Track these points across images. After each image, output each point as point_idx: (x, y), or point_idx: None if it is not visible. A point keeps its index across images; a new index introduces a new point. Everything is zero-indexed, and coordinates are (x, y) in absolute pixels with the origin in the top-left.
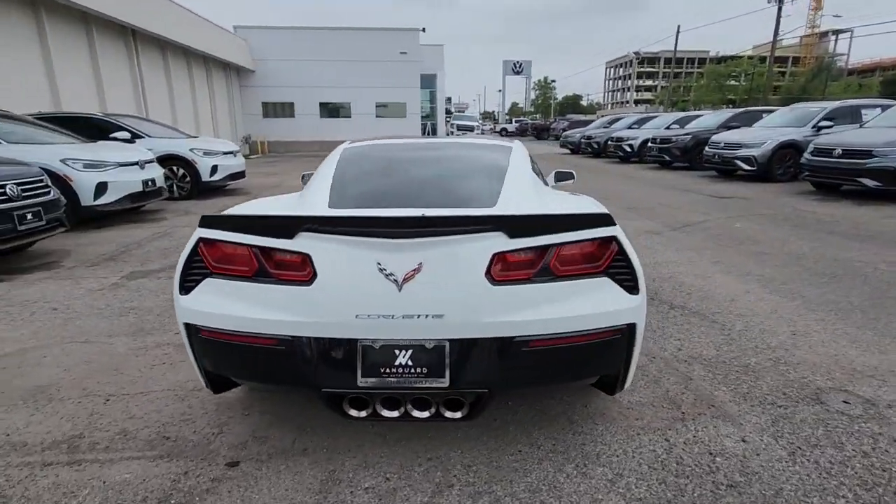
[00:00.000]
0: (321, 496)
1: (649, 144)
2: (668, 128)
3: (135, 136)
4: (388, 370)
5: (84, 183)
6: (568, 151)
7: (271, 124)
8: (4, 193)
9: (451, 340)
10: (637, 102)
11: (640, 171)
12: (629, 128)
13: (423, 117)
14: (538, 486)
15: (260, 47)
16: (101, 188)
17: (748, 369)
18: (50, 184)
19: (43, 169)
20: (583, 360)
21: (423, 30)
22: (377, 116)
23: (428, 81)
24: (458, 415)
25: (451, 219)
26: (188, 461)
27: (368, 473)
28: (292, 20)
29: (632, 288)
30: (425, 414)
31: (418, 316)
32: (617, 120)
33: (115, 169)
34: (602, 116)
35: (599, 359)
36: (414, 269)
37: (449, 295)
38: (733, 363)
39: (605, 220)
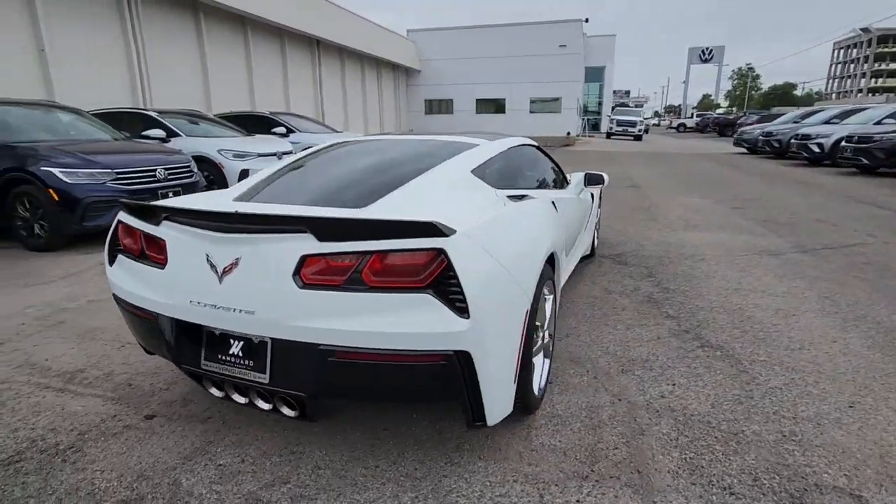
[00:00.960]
0: (181, 461)
1: (843, 144)
2: (879, 122)
3: (289, 131)
4: (224, 357)
5: (231, 169)
6: (744, 151)
7: (432, 120)
8: (154, 175)
9: (273, 338)
10: (874, 91)
11: (822, 176)
12: (827, 122)
13: (588, 111)
14: None
15: (426, 48)
16: (244, 174)
17: (735, 438)
18: (194, 169)
19: (204, 157)
20: (401, 383)
21: (587, 20)
22: (531, 112)
23: (595, 74)
24: (293, 413)
25: (258, 217)
26: (125, 407)
27: (233, 452)
28: (466, 20)
29: (462, 311)
30: (266, 406)
31: (234, 309)
32: (814, 113)
33: (256, 158)
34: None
35: (424, 385)
36: (231, 264)
37: (260, 292)
38: (721, 427)
39: (430, 230)
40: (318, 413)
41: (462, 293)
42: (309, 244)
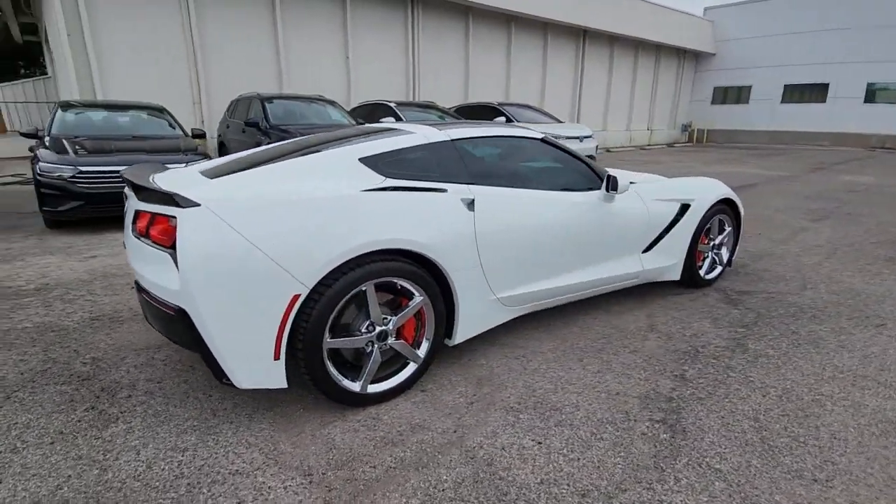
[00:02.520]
0: (143, 349)
1: None
2: None
3: (508, 120)
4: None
5: None
6: None
7: (718, 111)
8: None
9: None
10: None
11: None
12: None
13: None
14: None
15: (726, 27)
16: None
17: None
18: None
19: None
20: (167, 326)
21: None
22: (865, 101)
23: None
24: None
25: (126, 179)
26: None
27: (169, 353)
28: None
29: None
30: None
31: (124, 245)
32: None
33: None
34: None
35: (178, 332)
36: (125, 212)
37: (128, 235)
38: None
39: (171, 200)
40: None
41: (176, 257)
42: (137, 203)
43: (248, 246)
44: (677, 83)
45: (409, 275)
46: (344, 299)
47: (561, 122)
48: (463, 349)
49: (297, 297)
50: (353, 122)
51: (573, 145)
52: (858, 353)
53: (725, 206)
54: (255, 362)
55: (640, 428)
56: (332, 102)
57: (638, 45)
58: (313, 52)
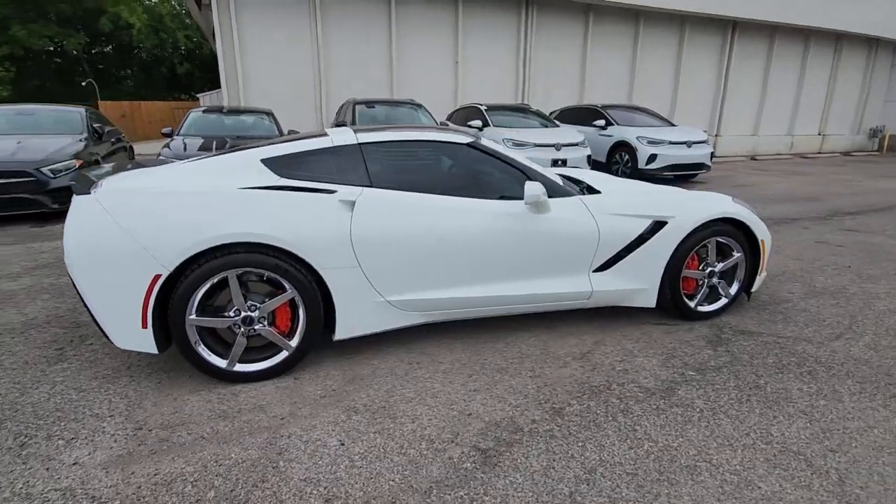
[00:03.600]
0: None
1: None
2: None
3: (608, 124)
4: None
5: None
6: None
7: None
8: None
9: None
10: None
11: None
12: None
13: None
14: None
15: None
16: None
17: None
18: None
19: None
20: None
21: None
22: None
23: None
24: None
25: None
26: None
27: None
28: None
29: None
30: None
31: None
32: None
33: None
34: None
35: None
36: None
37: None
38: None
39: (74, 188)
40: None
41: None
42: None
43: (118, 229)
44: (865, 79)
45: (273, 268)
46: (207, 283)
47: (673, 125)
48: (365, 346)
49: (157, 276)
50: (437, 124)
51: (680, 151)
52: (821, 424)
53: (730, 228)
54: (126, 328)
55: (454, 452)
56: (419, 106)
57: (808, 35)
58: (424, 57)
